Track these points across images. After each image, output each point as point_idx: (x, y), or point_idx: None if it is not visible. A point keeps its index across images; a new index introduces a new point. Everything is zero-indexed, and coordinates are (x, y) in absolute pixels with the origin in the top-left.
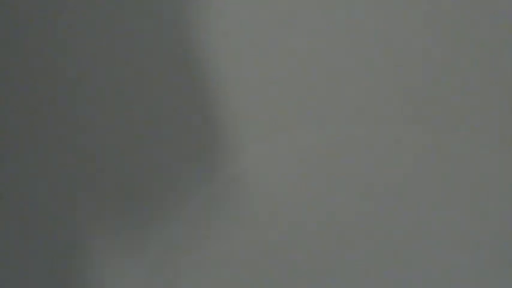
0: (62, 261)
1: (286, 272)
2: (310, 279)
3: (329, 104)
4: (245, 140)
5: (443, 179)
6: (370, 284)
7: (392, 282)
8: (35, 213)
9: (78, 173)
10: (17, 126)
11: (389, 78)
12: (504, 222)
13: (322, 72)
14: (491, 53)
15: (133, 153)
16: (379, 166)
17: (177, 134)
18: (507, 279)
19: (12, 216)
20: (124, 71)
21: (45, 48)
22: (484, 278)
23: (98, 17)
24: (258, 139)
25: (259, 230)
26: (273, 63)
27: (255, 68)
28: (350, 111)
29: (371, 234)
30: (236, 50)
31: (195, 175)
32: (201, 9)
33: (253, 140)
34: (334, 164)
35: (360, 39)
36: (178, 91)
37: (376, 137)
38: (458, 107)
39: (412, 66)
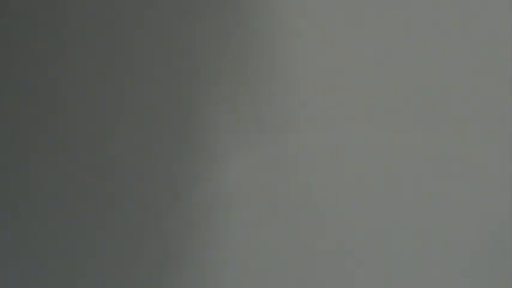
0: (63, 262)
1: (285, 272)
2: (311, 279)
3: (330, 105)
4: (245, 141)
5: (443, 179)
6: (370, 283)
7: (392, 282)
8: (34, 213)
9: (77, 172)
10: (18, 127)
11: (390, 79)
12: (504, 222)
13: (323, 73)
14: (491, 53)
15: (133, 153)
16: (379, 166)
17: (176, 134)
18: (507, 279)
19: (12, 216)
20: (124, 72)
21: (45, 48)
22: (484, 278)
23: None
24: (258, 139)
25: (259, 230)
26: (272, 64)
27: (254, 69)
28: (350, 112)
29: (371, 234)
30: (237, 52)
31: (194, 175)
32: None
33: (254, 140)
34: (335, 165)
35: (360, 41)
36: (178, 91)
37: (376, 137)
38: (458, 107)
39: (413, 66)
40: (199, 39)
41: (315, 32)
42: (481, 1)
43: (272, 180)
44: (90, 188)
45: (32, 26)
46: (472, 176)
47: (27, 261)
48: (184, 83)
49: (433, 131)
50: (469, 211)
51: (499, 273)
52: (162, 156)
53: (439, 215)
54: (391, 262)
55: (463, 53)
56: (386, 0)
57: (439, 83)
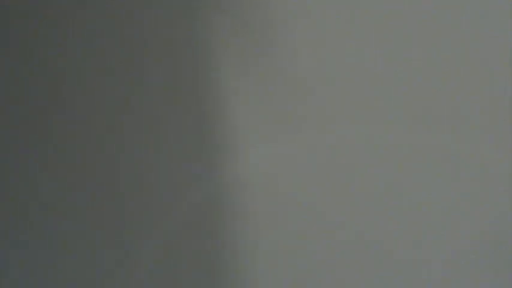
0: (61, 261)
1: (285, 273)
2: (310, 279)
3: (329, 104)
4: (245, 140)
5: (444, 179)
6: (370, 284)
7: (392, 282)
8: (34, 213)
9: (77, 173)
10: (17, 126)
11: (390, 78)
12: (504, 222)
13: (322, 73)
14: (491, 53)
15: (133, 153)
16: (379, 166)
17: (176, 134)
18: (506, 279)
19: (12, 216)
20: (124, 70)
21: (44, 48)
22: (484, 278)
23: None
24: (258, 139)
25: (259, 231)
26: (271, 64)
27: (253, 69)
28: (350, 112)
29: (371, 235)
30: (236, 52)
31: (194, 175)
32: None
33: (254, 140)
34: (335, 165)
35: (361, 41)
36: (178, 91)
37: (376, 137)
38: (458, 107)
39: (413, 66)
40: (201, 36)
41: (317, 31)
42: (481, 1)
43: (273, 180)
44: (89, 188)
45: (31, 26)
46: (472, 176)
47: (27, 261)
48: (184, 83)
49: (433, 131)
50: (469, 211)
51: (499, 273)
52: (163, 156)
53: (439, 214)
54: (390, 262)
55: (463, 52)
56: (388, 0)
57: (440, 83)
